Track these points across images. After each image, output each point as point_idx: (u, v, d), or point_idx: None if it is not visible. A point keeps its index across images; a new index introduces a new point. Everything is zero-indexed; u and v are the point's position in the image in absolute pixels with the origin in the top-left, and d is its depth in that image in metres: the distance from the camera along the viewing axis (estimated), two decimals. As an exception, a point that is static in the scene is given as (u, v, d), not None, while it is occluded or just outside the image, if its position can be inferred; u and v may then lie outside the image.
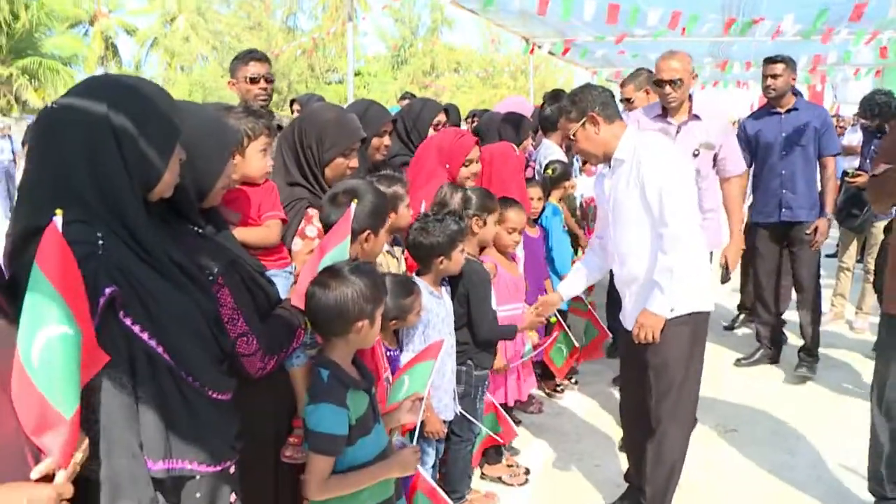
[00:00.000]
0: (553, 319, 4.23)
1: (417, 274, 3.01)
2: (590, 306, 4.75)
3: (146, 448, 1.43)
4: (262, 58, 4.01)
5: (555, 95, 5.32)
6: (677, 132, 4.01)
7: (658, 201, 2.86)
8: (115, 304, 1.39)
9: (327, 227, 2.39)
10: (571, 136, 3.04)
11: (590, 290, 5.29)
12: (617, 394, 4.58)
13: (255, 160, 2.34)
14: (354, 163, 2.76)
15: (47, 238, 1.23)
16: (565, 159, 4.94)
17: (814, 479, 3.75)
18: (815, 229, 4.93)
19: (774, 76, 4.90)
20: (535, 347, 3.89)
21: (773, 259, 5.22)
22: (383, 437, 2.20)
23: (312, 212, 2.60)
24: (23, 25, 27.56)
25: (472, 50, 37.86)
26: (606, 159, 3.05)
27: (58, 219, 1.24)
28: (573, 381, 5.03)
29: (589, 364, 5.07)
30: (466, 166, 3.48)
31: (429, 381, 2.35)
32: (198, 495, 1.58)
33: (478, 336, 3.23)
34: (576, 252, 4.95)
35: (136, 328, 1.41)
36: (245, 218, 2.29)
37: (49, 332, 1.22)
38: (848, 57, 10.74)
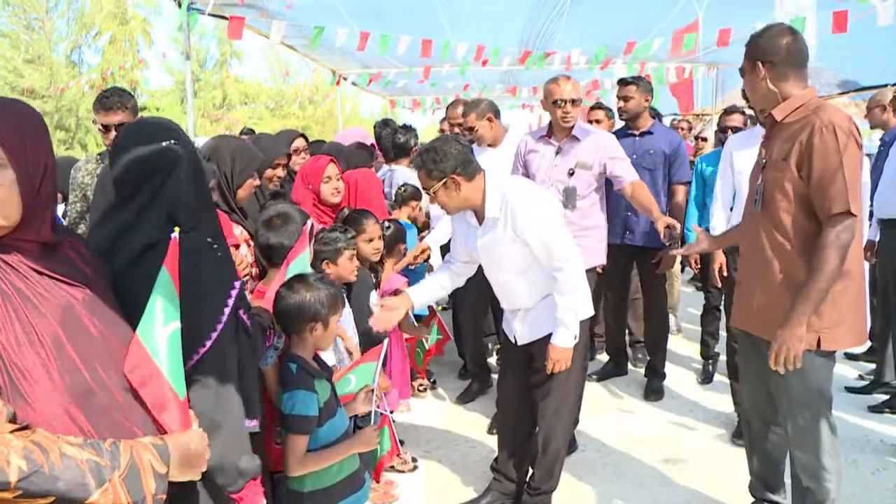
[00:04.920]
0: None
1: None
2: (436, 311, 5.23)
3: (246, 408, 1.72)
4: (111, 106, 3.70)
5: (385, 123, 5.88)
6: (557, 152, 4.10)
7: (545, 251, 2.99)
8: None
9: (266, 248, 2.75)
10: (430, 193, 3.05)
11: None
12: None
13: None
14: (256, 181, 3.22)
15: (173, 248, 1.54)
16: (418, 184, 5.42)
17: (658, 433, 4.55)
18: (661, 259, 4.89)
19: (626, 98, 4.84)
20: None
21: (620, 280, 5.20)
22: (346, 418, 2.59)
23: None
24: None
25: (260, 81, 37.80)
26: (467, 209, 3.11)
27: (175, 234, 1.55)
28: (431, 380, 5.55)
29: (438, 365, 5.66)
30: (325, 183, 3.85)
31: (375, 375, 2.76)
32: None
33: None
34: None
35: (240, 310, 1.75)
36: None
37: (172, 327, 1.51)
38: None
